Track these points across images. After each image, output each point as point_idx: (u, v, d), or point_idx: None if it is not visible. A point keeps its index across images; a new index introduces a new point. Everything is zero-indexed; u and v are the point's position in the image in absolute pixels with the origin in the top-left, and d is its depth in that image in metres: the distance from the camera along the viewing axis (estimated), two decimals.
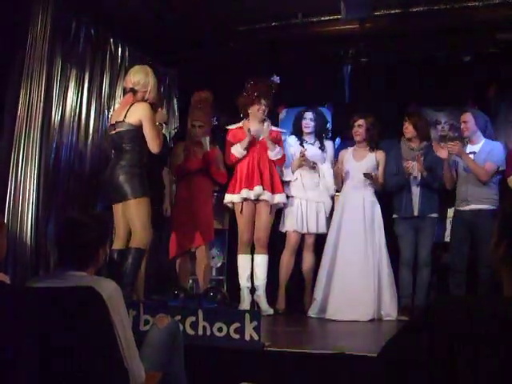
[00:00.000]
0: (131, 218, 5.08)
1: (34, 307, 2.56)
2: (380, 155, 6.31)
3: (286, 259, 6.43)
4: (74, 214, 2.90)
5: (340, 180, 6.34)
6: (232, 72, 7.23)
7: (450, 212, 6.28)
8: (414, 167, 6.08)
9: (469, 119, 5.95)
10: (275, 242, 6.55)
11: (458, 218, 5.90)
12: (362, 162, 6.26)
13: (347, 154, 6.36)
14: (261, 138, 6.25)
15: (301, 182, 6.45)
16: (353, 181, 6.25)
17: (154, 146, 5.08)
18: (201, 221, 6.12)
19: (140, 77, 5.23)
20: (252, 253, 6.32)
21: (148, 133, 5.06)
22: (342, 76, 7.50)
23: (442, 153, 5.89)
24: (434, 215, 6.10)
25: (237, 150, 6.24)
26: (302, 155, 6.34)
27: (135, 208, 5.07)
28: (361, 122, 6.26)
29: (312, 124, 6.55)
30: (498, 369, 1.51)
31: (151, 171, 5.43)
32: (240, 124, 6.41)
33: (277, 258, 6.45)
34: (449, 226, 6.30)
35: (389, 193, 6.29)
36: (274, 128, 6.48)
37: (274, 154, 6.26)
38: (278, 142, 6.40)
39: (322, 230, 6.39)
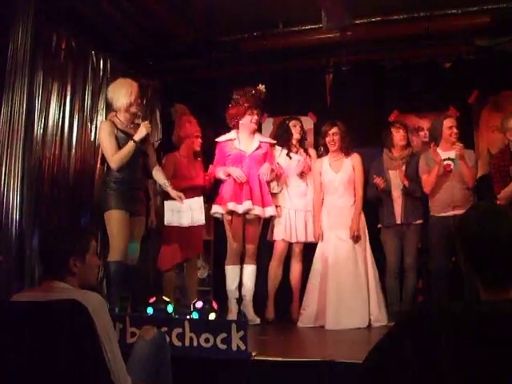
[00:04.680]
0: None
1: (19, 322, 2.55)
2: (354, 159, 6.29)
3: (275, 268, 6.42)
4: (53, 227, 2.92)
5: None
6: (214, 82, 7.24)
7: None
8: (395, 175, 6.12)
9: (456, 124, 5.98)
10: (263, 251, 6.54)
11: (439, 224, 5.86)
12: (340, 172, 6.24)
13: (324, 165, 6.33)
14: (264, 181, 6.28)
15: (287, 192, 6.45)
16: (336, 192, 6.25)
17: (109, 162, 5.36)
18: (193, 232, 6.13)
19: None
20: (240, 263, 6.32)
21: (102, 150, 5.46)
22: (323, 84, 7.51)
23: (437, 156, 5.87)
24: (419, 221, 6.12)
25: (219, 174, 6.30)
26: (280, 171, 6.39)
27: (106, 221, 5.33)
28: (335, 130, 6.27)
29: (302, 131, 6.60)
30: (482, 368, 1.53)
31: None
32: (231, 136, 6.40)
33: (265, 268, 6.45)
34: None
35: (372, 203, 6.31)
36: (264, 139, 6.48)
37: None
38: (270, 152, 6.42)
39: (311, 238, 6.38)
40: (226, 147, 6.37)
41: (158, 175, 5.68)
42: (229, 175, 6.21)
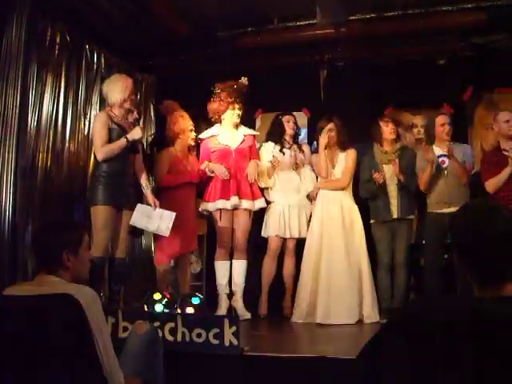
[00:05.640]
0: None
1: (12, 315, 2.55)
2: (349, 154, 6.31)
3: (268, 264, 6.43)
4: (46, 220, 2.92)
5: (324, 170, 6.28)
6: (208, 78, 7.22)
7: None
8: (388, 170, 6.12)
9: (449, 121, 6.00)
10: (257, 247, 6.55)
11: (435, 221, 5.85)
12: (336, 166, 6.28)
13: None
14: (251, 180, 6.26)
15: (280, 187, 6.46)
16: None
17: (96, 152, 5.43)
18: (188, 228, 6.13)
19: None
20: (230, 258, 6.32)
21: (92, 139, 5.55)
22: (317, 80, 7.51)
23: (431, 157, 5.88)
24: (411, 217, 6.14)
25: (205, 170, 6.29)
26: (276, 163, 6.36)
27: (92, 215, 5.37)
28: (331, 126, 6.26)
29: (295, 126, 6.60)
30: (476, 366, 1.54)
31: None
32: (214, 131, 6.38)
33: (258, 264, 6.45)
34: None
35: (364, 198, 6.31)
36: (247, 132, 6.46)
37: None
38: (254, 144, 6.42)
39: (304, 234, 6.39)
40: (210, 143, 6.35)
41: (141, 179, 5.74)
42: (213, 172, 6.20)
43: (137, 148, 5.62)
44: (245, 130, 6.44)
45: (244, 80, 6.30)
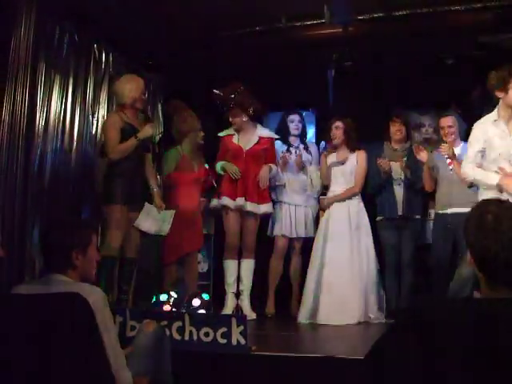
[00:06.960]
0: None
1: (20, 314, 2.56)
2: (359, 155, 6.30)
3: (275, 264, 6.44)
4: (55, 220, 2.91)
5: (328, 177, 6.30)
6: (216, 77, 7.22)
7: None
8: (397, 167, 6.12)
9: (453, 123, 5.98)
10: (264, 246, 6.55)
11: (440, 222, 5.87)
12: (345, 164, 6.27)
13: (330, 158, 6.34)
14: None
15: (288, 187, 6.46)
16: (337, 184, 6.26)
17: (108, 152, 5.44)
18: (194, 227, 6.14)
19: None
20: (239, 257, 6.32)
21: (105, 139, 5.56)
22: (325, 80, 7.51)
23: (422, 156, 5.90)
24: (417, 216, 6.14)
25: (218, 168, 6.30)
26: (286, 158, 6.38)
27: (106, 214, 5.43)
28: (338, 123, 6.25)
29: (300, 126, 6.59)
30: (481, 364, 1.54)
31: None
32: (230, 131, 6.38)
33: (265, 263, 6.45)
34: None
35: (371, 195, 6.31)
36: (265, 134, 6.45)
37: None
38: (271, 147, 6.40)
39: (310, 233, 6.41)
40: (227, 142, 6.36)
41: (150, 178, 5.79)
42: (225, 171, 6.21)
43: (148, 147, 5.65)
44: (262, 132, 6.42)
45: (237, 86, 6.26)
